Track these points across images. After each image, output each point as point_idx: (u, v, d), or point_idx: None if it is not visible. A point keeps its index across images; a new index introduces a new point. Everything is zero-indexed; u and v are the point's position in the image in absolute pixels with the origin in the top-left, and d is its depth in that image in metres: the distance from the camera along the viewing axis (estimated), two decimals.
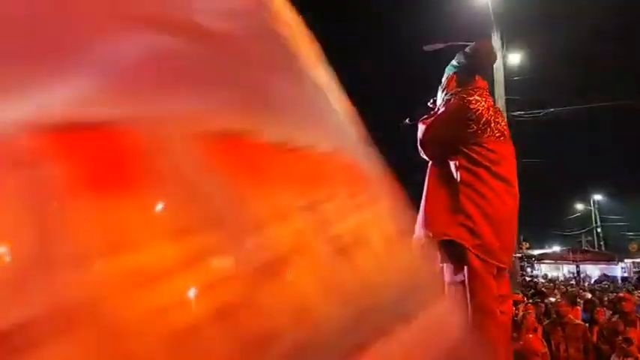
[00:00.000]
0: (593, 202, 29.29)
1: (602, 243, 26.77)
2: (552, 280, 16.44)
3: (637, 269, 19.92)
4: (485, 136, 1.97)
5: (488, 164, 1.94)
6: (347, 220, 0.32)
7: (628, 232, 26.86)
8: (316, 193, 0.32)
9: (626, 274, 19.59)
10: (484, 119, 1.98)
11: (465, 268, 1.84)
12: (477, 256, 1.84)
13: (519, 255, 15.96)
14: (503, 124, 2.06)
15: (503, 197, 1.93)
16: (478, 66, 2.16)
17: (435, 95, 2.26)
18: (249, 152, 0.29)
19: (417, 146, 2.12)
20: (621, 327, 4.40)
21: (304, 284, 0.27)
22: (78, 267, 0.20)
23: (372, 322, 0.29)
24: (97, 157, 0.22)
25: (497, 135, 1.99)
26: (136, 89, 0.26)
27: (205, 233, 0.23)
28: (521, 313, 4.77)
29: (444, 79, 2.19)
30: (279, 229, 0.27)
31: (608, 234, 28.45)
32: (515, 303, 5.03)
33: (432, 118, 2.12)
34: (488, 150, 1.96)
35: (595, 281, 17.46)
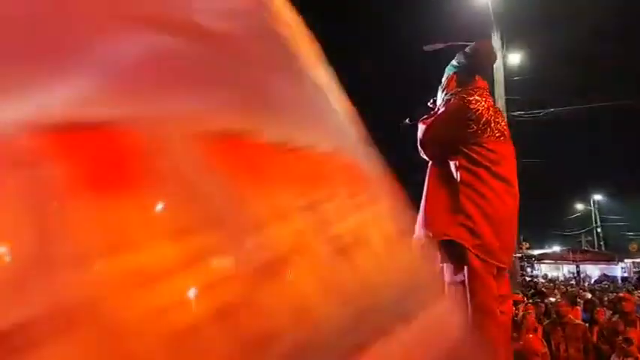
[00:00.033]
0: (593, 202, 29.29)
1: (602, 243, 26.77)
2: (552, 280, 16.44)
3: (637, 269, 19.91)
4: (485, 136, 1.97)
5: (488, 164, 1.94)
6: (347, 220, 0.32)
7: (628, 232, 26.87)
8: (316, 193, 0.32)
9: (626, 274, 19.59)
10: (484, 119, 1.98)
11: (465, 268, 1.84)
12: (477, 256, 1.84)
13: (519, 255, 15.96)
14: (503, 124, 2.06)
15: (504, 197, 1.93)
16: (478, 66, 2.16)
17: (435, 95, 2.26)
18: (249, 152, 0.29)
19: (416, 146, 2.12)
20: (621, 327, 4.40)
21: (304, 284, 0.27)
22: (78, 267, 0.20)
23: (372, 322, 0.29)
24: (97, 157, 0.22)
25: (497, 135, 1.99)
26: (136, 89, 0.26)
27: (205, 233, 0.23)
28: (521, 313, 4.77)
29: (444, 79, 2.19)
30: (279, 229, 0.27)
31: (608, 234, 28.46)
32: (515, 303, 5.03)
33: (432, 118, 2.12)
34: (489, 150, 1.96)
35: (595, 281, 17.46)
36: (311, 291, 0.27)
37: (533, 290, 8.96)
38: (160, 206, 0.23)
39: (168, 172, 0.23)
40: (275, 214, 0.27)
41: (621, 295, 5.94)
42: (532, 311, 4.79)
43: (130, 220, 0.21)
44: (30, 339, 0.19)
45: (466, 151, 1.96)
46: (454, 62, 2.18)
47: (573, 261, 20.17)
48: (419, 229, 1.90)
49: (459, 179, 1.96)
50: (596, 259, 20.83)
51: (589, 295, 7.48)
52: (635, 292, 9.67)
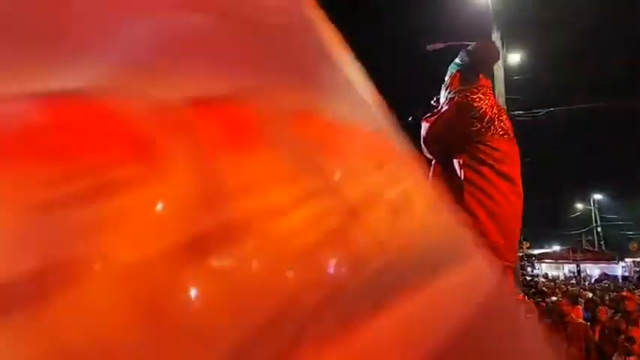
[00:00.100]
0: (593, 201, 29.30)
1: (602, 242, 26.77)
2: (553, 280, 16.44)
3: (638, 268, 19.91)
4: (489, 134, 1.97)
5: (492, 162, 1.93)
6: (397, 185, 0.41)
7: (628, 231, 26.87)
8: (374, 161, 0.40)
9: (626, 274, 19.59)
10: (488, 117, 1.98)
11: None
12: None
13: (520, 254, 15.95)
14: (507, 122, 2.05)
15: (508, 195, 1.92)
16: (481, 64, 2.16)
17: (438, 94, 2.26)
18: (322, 127, 0.36)
19: (420, 144, 2.12)
20: (624, 326, 4.40)
21: (380, 224, 0.35)
22: (234, 202, 0.26)
23: (419, 270, 0.36)
24: (229, 123, 0.29)
25: (500, 133, 1.99)
26: (239, 71, 0.33)
27: (311, 180, 0.31)
28: None
29: (447, 78, 2.19)
30: (361, 182, 0.36)
31: (608, 233, 28.46)
32: None
33: (436, 117, 2.11)
34: (492, 148, 1.95)
35: (595, 280, 17.46)
36: (386, 228, 0.35)
37: (533, 289, 8.95)
38: (276, 160, 0.30)
39: (276, 137, 0.31)
40: (353, 173, 0.36)
41: (623, 294, 5.94)
42: None
43: (260, 171, 0.29)
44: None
45: (470, 149, 1.96)
46: (457, 60, 2.17)
47: (574, 260, 20.18)
48: None
49: (462, 178, 1.96)
50: (596, 258, 20.83)
51: (590, 295, 7.47)
52: (636, 291, 9.66)
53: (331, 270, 0.30)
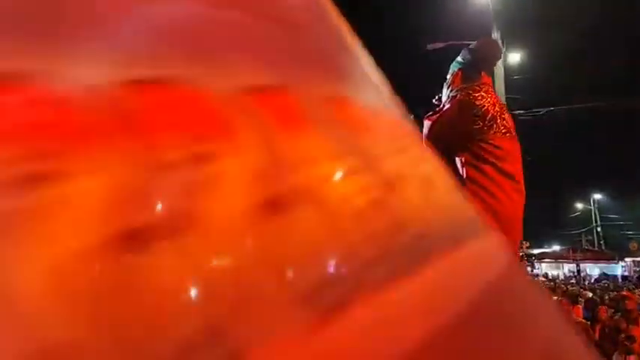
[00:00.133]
0: (593, 201, 29.31)
1: (602, 242, 26.78)
2: (553, 279, 16.44)
3: (637, 268, 19.92)
4: (492, 132, 1.97)
5: (494, 160, 1.93)
6: (422, 165, 0.46)
7: (628, 231, 26.88)
8: (399, 144, 0.45)
9: (626, 273, 19.60)
10: (490, 115, 1.98)
11: None
12: None
13: (520, 254, 15.93)
14: (509, 120, 2.05)
15: (510, 194, 1.92)
16: (483, 62, 2.16)
17: (440, 92, 2.26)
18: (353, 113, 0.42)
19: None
20: (624, 325, 4.40)
21: (412, 197, 0.41)
22: (296, 172, 0.32)
23: (448, 239, 0.40)
24: (280, 109, 0.34)
25: (503, 131, 1.99)
26: (280, 64, 0.38)
27: (352, 158, 0.37)
28: None
29: (449, 76, 2.19)
30: (391, 162, 0.42)
31: (608, 233, 28.47)
32: None
33: (438, 115, 2.11)
34: (495, 146, 1.95)
35: (595, 280, 17.46)
36: (419, 198, 0.41)
37: None
38: (323, 140, 0.36)
39: (319, 120, 0.37)
40: (383, 153, 0.41)
41: (624, 293, 5.94)
42: None
43: (313, 149, 0.34)
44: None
45: (472, 147, 1.96)
46: (459, 59, 2.17)
47: (574, 260, 20.18)
48: None
49: (464, 176, 1.96)
50: (596, 258, 20.83)
51: (590, 294, 7.47)
52: (636, 290, 9.66)
53: (379, 231, 0.34)
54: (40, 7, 0.26)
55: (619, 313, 4.82)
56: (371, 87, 0.48)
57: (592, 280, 17.52)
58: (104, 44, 0.27)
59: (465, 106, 2.02)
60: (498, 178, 1.91)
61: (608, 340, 4.40)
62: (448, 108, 2.11)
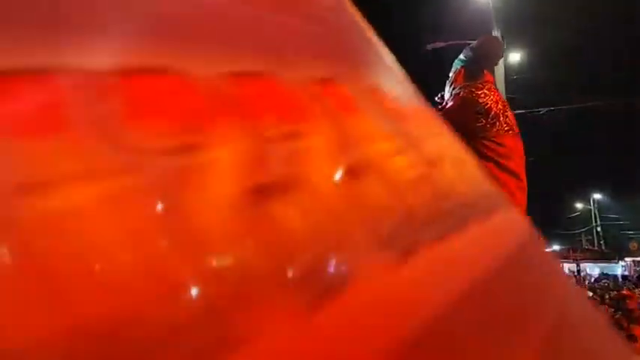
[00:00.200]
0: (593, 200, 29.30)
1: (601, 242, 26.77)
2: None
3: (637, 267, 19.92)
4: (494, 130, 1.96)
5: (497, 158, 1.93)
6: (451, 147, 0.54)
7: (628, 230, 26.89)
8: (430, 128, 0.52)
9: (626, 273, 19.59)
10: (493, 113, 1.97)
11: None
12: None
13: None
14: (511, 117, 2.05)
15: (513, 192, 1.92)
16: (486, 59, 2.15)
17: (442, 90, 2.25)
18: (390, 101, 0.48)
19: None
20: (625, 324, 4.40)
21: (449, 173, 0.48)
22: (359, 148, 0.38)
23: (478, 210, 0.47)
24: (338, 97, 0.41)
25: (505, 129, 1.98)
26: (330, 59, 0.44)
27: (398, 139, 0.44)
28: None
29: (451, 74, 2.18)
30: (427, 143, 0.48)
31: (607, 233, 28.46)
32: None
33: (440, 113, 2.11)
34: (497, 144, 1.95)
35: (595, 280, 17.45)
36: (453, 174, 0.48)
37: None
38: (374, 123, 0.42)
39: (367, 107, 0.43)
40: (420, 136, 0.48)
41: (624, 292, 5.94)
42: None
43: (368, 130, 0.41)
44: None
45: (475, 145, 1.95)
46: (462, 56, 2.17)
47: (574, 260, 20.17)
48: None
49: None
50: (596, 257, 20.82)
51: (590, 294, 7.46)
52: (636, 290, 9.65)
53: (428, 198, 0.41)
54: (173, 17, 0.33)
55: (620, 313, 4.82)
56: (396, 78, 0.54)
57: (592, 280, 17.52)
58: (212, 46, 0.34)
59: (467, 104, 2.01)
60: (501, 176, 1.91)
61: None
62: (451, 106, 2.10)
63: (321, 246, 0.30)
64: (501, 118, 1.98)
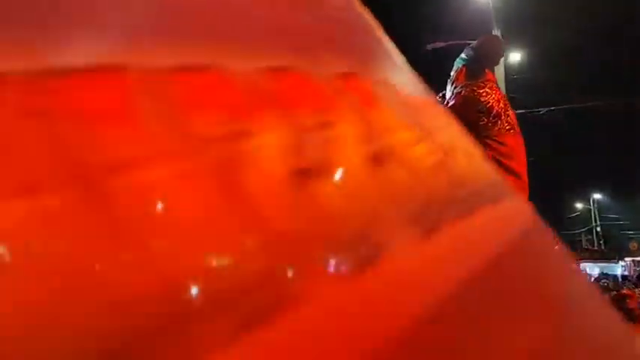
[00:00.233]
0: (593, 200, 29.33)
1: (601, 242, 26.79)
2: None
3: (637, 267, 19.92)
4: (496, 128, 1.97)
5: (498, 157, 1.93)
6: (461, 138, 0.57)
7: (628, 230, 26.91)
8: (441, 121, 0.57)
9: (626, 273, 19.60)
10: (494, 112, 1.98)
11: None
12: None
13: None
14: (512, 116, 2.05)
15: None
16: (487, 58, 2.16)
17: (443, 89, 2.25)
18: (405, 95, 0.52)
19: None
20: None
21: (462, 162, 0.52)
22: (382, 137, 0.42)
23: (486, 197, 0.50)
24: (360, 90, 0.44)
25: (507, 128, 1.99)
26: (350, 56, 0.47)
27: (416, 129, 0.48)
28: None
29: (453, 73, 2.18)
30: (440, 135, 0.52)
31: (607, 233, 28.48)
32: None
33: None
34: (499, 143, 1.95)
35: (595, 279, 17.46)
36: (465, 165, 0.52)
37: None
38: (394, 114, 0.47)
39: (387, 99, 0.47)
40: (434, 128, 0.52)
41: (625, 292, 5.94)
42: None
43: (389, 121, 0.45)
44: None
45: (476, 144, 1.95)
46: (463, 55, 2.17)
47: (574, 260, 20.14)
48: None
49: None
50: (596, 257, 20.83)
51: None
52: (636, 289, 9.65)
53: (444, 185, 0.45)
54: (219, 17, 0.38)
55: (620, 312, 4.81)
56: (405, 73, 0.58)
57: (592, 280, 17.53)
58: (245, 44, 0.37)
59: (469, 103, 2.01)
60: (502, 175, 1.91)
61: None
62: (452, 104, 2.10)
63: (359, 220, 0.34)
64: (503, 117, 1.98)
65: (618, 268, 20.19)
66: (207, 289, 0.24)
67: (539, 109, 12.71)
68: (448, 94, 2.20)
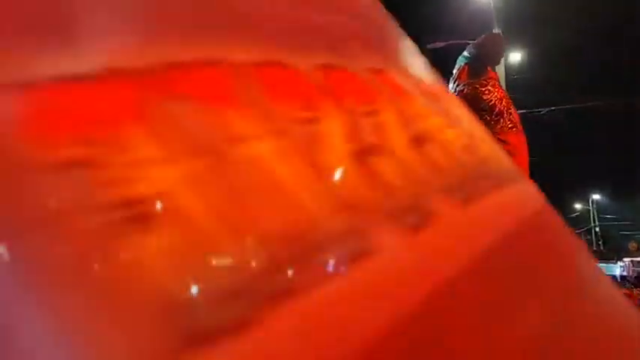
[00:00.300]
0: (592, 201, 29.35)
1: (600, 242, 26.82)
2: None
3: (636, 267, 19.95)
4: (499, 127, 1.96)
5: None
6: (477, 125, 0.65)
7: (627, 231, 26.95)
8: (461, 109, 0.64)
9: (624, 273, 19.62)
10: (497, 110, 1.97)
11: None
12: None
13: None
14: (515, 114, 2.05)
15: None
16: (489, 56, 2.15)
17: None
18: (429, 86, 0.58)
19: None
20: None
21: (482, 144, 0.59)
22: (416, 123, 0.49)
23: (499, 178, 0.57)
24: (391, 84, 0.50)
25: (509, 126, 1.98)
26: (378, 53, 0.52)
27: (444, 116, 0.55)
28: None
29: (455, 71, 2.18)
30: (462, 122, 0.60)
31: (606, 233, 28.52)
32: None
33: None
34: (502, 141, 1.94)
35: None
36: (486, 149, 0.59)
37: None
38: (423, 104, 0.53)
39: (414, 91, 0.53)
40: (457, 116, 0.60)
41: (623, 292, 5.94)
42: None
43: (420, 109, 0.51)
44: None
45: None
46: (465, 53, 2.16)
47: None
48: None
49: None
50: (595, 258, 20.81)
51: None
52: (635, 290, 9.65)
53: (474, 163, 0.52)
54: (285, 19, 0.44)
55: None
56: (423, 66, 0.63)
57: None
58: (299, 43, 0.43)
59: (471, 101, 2.00)
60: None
61: None
62: None
63: (412, 189, 0.41)
64: (505, 115, 1.98)
65: (617, 269, 20.20)
66: (308, 237, 0.31)
67: (540, 109, 12.72)
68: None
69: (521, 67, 12.97)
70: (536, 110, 12.63)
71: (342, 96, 0.42)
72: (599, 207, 29.45)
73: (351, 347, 0.27)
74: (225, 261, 0.27)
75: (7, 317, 0.21)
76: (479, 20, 11.47)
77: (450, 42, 10.55)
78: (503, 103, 2.00)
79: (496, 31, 10.77)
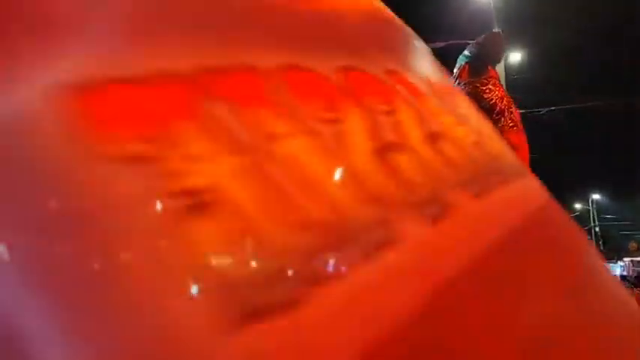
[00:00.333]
0: (592, 201, 29.34)
1: (600, 242, 26.80)
2: None
3: (636, 267, 19.94)
4: (499, 126, 1.96)
5: None
6: (485, 123, 0.70)
7: (627, 231, 26.95)
8: (469, 107, 0.67)
9: (624, 273, 19.61)
10: (498, 109, 1.97)
11: None
12: None
13: None
14: (515, 113, 2.04)
15: None
16: (490, 55, 2.15)
17: None
18: (439, 85, 0.61)
19: None
20: None
21: (489, 142, 0.61)
22: (431, 121, 0.52)
23: (505, 174, 0.59)
24: (408, 84, 0.53)
25: (510, 125, 1.98)
26: (391, 54, 0.56)
27: (455, 114, 0.58)
28: None
29: (455, 70, 2.17)
30: (470, 120, 0.63)
31: (606, 233, 28.51)
32: None
33: None
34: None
35: None
36: (494, 145, 0.62)
37: None
38: (436, 103, 0.56)
39: (428, 91, 0.56)
40: (465, 114, 0.62)
41: None
42: None
43: (434, 108, 0.54)
44: None
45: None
46: (466, 52, 2.16)
47: None
48: None
49: None
50: None
51: None
52: (635, 289, 9.65)
53: (483, 159, 0.55)
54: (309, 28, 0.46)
55: None
56: (431, 65, 0.65)
57: None
58: (319, 47, 0.45)
59: (472, 99, 2.00)
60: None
61: None
62: None
63: (431, 183, 0.44)
64: (506, 114, 1.98)
65: (617, 269, 20.19)
66: (342, 226, 0.33)
67: (540, 109, 12.71)
68: None
69: (521, 67, 12.98)
70: (536, 110, 12.63)
71: (362, 96, 0.45)
72: (599, 207, 29.46)
73: (388, 322, 0.30)
74: (272, 245, 0.29)
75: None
76: (479, 20, 11.47)
77: (450, 42, 10.55)
78: (504, 102, 2.00)
79: (496, 30, 10.78)
